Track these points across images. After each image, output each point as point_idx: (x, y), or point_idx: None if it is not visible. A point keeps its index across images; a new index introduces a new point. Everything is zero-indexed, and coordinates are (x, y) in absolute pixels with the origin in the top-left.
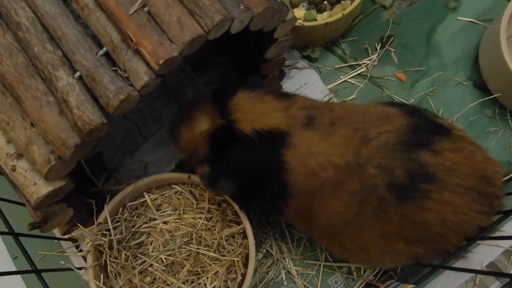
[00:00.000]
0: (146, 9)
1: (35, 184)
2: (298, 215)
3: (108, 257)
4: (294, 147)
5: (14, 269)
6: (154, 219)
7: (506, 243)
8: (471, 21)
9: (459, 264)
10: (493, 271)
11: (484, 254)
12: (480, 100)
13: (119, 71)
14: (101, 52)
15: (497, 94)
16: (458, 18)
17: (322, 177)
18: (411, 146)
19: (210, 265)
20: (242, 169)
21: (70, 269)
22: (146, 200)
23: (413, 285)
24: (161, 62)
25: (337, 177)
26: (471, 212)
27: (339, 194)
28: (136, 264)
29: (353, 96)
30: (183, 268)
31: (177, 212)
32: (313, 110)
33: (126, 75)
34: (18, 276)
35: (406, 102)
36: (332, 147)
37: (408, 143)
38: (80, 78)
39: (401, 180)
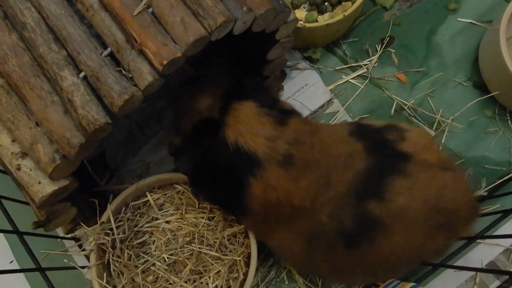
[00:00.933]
0: (150, 10)
1: (39, 183)
2: (252, 228)
3: (111, 256)
4: (261, 179)
5: (18, 274)
6: (157, 219)
7: (506, 242)
8: (471, 22)
9: (459, 263)
10: (492, 269)
11: (484, 253)
12: (480, 99)
13: (123, 71)
14: (106, 52)
15: (495, 92)
16: (458, 19)
17: (278, 211)
18: (363, 196)
19: (212, 264)
20: (206, 166)
21: (74, 268)
22: (148, 200)
23: (414, 284)
24: (165, 62)
25: (291, 215)
26: (425, 243)
27: (290, 229)
28: (139, 263)
29: (354, 97)
30: (185, 267)
31: (179, 211)
32: (296, 148)
33: (130, 75)
34: (22, 277)
35: (406, 102)
36: (296, 190)
37: (361, 193)
38: (85, 78)
39: (350, 229)
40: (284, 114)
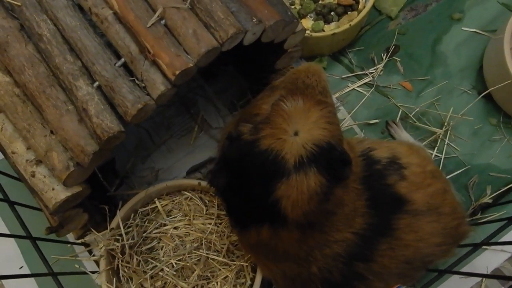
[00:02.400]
0: (163, 22)
1: (53, 189)
2: (244, 248)
3: (120, 261)
4: (272, 231)
5: (29, 280)
6: (165, 225)
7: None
8: (476, 32)
9: (465, 270)
10: (498, 275)
11: (489, 260)
12: (485, 108)
13: (136, 81)
14: (120, 63)
15: (500, 101)
16: (463, 28)
17: (272, 249)
18: (354, 258)
19: (220, 269)
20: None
21: (84, 273)
22: (157, 206)
23: None
24: (177, 72)
25: (282, 256)
26: (405, 281)
27: (277, 265)
28: (148, 269)
29: (360, 104)
30: (193, 272)
31: (187, 218)
32: (321, 216)
33: (143, 85)
34: (33, 283)
35: (411, 108)
36: (297, 245)
37: (353, 256)
38: (99, 87)
39: (336, 280)
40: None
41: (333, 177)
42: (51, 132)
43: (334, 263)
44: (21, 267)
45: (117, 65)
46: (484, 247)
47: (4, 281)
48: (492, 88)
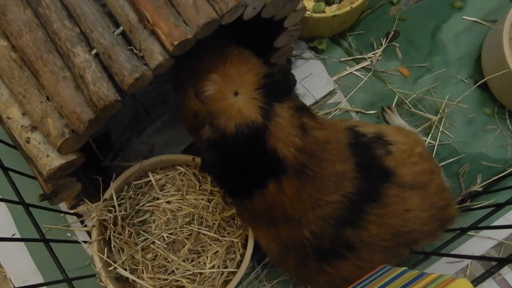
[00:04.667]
0: None
1: (48, 156)
2: (241, 216)
3: (112, 232)
4: (279, 183)
5: (21, 247)
6: (158, 199)
7: (498, 236)
8: (476, 21)
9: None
10: (482, 256)
11: (475, 247)
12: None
13: (134, 50)
14: (118, 31)
15: (496, 91)
16: (463, 17)
17: (270, 211)
18: (343, 222)
19: (210, 244)
20: (233, 160)
21: (76, 242)
22: (150, 180)
23: (405, 268)
24: (176, 43)
25: (278, 219)
26: (388, 258)
27: (271, 230)
28: (139, 241)
29: (356, 88)
30: (184, 246)
31: (180, 192)
32: (310, 159)
33: (141, 54)
34: (24, 249)
35: (407, 94)
36: (293, 200)
37: (342, 218)
38: (97, 55)
39: (326, 246)
40: (300, 112)
41: (288, 93)
42: (47, 98)
43: (325, 225)
44: (13, 235)
45: (115, 33)
46: (470, 233)
47: None
48: (489, 77)
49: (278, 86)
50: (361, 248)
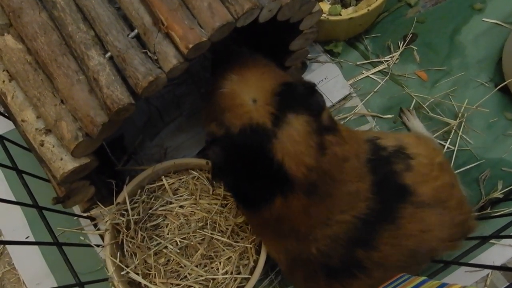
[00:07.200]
0: None
1: (61, 159)
2: (250, 223)
3: (125, 236)
4: (286, 199)
5: (34, 250)
6: (171, 203)
7: None
8: (496, 23)
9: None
10: (504, 266)
11: (496, 255)
12: (501, 102)
13: (148, 53)
14: (133, 34)
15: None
16: (483, 19)
17: (279, 224)
18: (354, 244)
19: (224, 250)
20: (240, 168)
21: (89, 246)
22: (163, 184)
23: (425, 278)
24: (190, 46)
25: (285, 232)
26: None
27: (279, 242)
28: (152, 245)
29: (373, 92)
30: (197, 251)
31: (193, 197)
32: (322, 179)
33: (155, 57)
34: (37, 252)
35: (425, 98)
36: (303, 216)
37: (352, 240)
38: (111, 58)
39: (335, 264)
40: (324, 132)
41: (309, 109)
42: (61, 101)
43: (333, 245)
44: (27, 237)
45: (130, 36)
46: (491, 241)
47: (10, 251)
48: (510, 80)
49: (298, 99)
50: (374, 268)
